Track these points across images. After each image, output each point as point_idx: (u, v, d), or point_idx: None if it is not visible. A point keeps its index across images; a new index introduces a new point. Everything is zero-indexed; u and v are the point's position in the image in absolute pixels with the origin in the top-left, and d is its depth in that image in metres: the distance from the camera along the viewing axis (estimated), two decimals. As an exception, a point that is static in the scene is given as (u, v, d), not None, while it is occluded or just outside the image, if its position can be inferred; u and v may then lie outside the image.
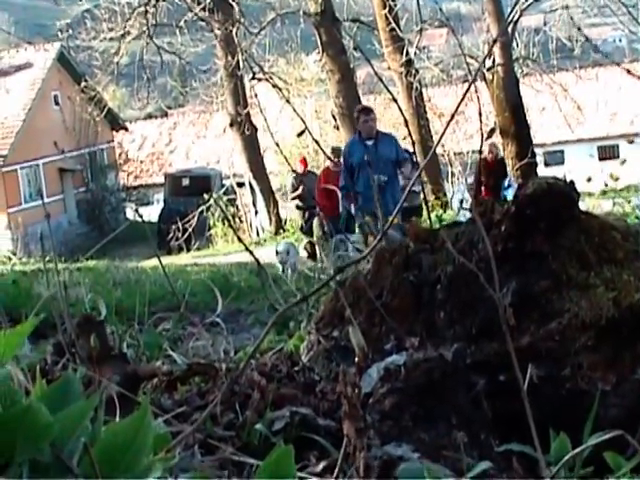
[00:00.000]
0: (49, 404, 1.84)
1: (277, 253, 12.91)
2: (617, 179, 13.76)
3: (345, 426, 2.27)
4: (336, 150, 18.16)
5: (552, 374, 2.68)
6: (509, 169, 22.99)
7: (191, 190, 36.45)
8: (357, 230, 13.05)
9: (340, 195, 14.09)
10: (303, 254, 17.81)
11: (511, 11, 25.95)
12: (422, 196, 16.18)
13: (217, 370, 3.20)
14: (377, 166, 11.98)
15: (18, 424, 1.77)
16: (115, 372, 3.00)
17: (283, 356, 3.25)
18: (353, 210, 13.12)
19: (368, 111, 13.24)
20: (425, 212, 15.92)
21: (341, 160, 14.01)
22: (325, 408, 2.75)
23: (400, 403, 2.39)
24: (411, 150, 18.21)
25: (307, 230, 19.88)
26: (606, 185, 14.82)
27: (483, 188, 17.80)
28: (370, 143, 12.71)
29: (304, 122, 26.33)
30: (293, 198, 21.18)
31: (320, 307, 3.50)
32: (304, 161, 21.60)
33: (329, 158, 16.65)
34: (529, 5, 26.56)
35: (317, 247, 16.79)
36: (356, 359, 2.61)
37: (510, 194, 17.42)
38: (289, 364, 3.14)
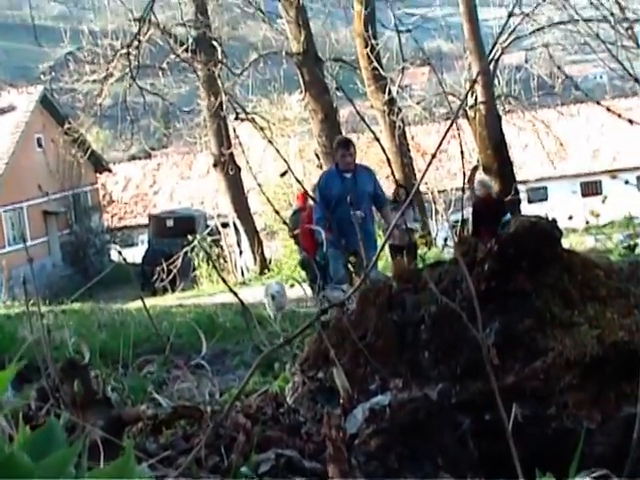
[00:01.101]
0: (32, 451, 1.82)
1: (273, 298, 12.14)
2: (597, 215, 13.76)
3: (329, 468, 2.26)
4: None
5: (537, 413, 2.68)
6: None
7: (175, 231, 36.45)
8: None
9: (316, 228, 13.62)
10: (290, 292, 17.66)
11: (492, 49, 26.14)
12: (417, 234, 15.94)
13: (202, 413, 3.19)
14: (355, 200, 11.74)
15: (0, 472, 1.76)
16: (99, 417, 2.98)
17: (268, 398, 3.24)
18: (325, 243, 12.79)
19: (348, 145, 12.81)
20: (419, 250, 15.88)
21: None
22: (311, 450, 2.73)
23: (386, 444, 2.38)
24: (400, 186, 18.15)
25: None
26: (588, 223, 14.81)
27: (482, 228, 17.68)
28: (348, 176, 12.48)
29: (287, 162, 26.43)
30: (292, 235, 21.02)
31: (305, 348, 3.49)
32: (303, 197, 21.42)
33: (312, 199, 16.56)
34: (510, 43, 26.74)
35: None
36: (341, 400, 2.61)
37: None
38: (274, 406, 3.13)
